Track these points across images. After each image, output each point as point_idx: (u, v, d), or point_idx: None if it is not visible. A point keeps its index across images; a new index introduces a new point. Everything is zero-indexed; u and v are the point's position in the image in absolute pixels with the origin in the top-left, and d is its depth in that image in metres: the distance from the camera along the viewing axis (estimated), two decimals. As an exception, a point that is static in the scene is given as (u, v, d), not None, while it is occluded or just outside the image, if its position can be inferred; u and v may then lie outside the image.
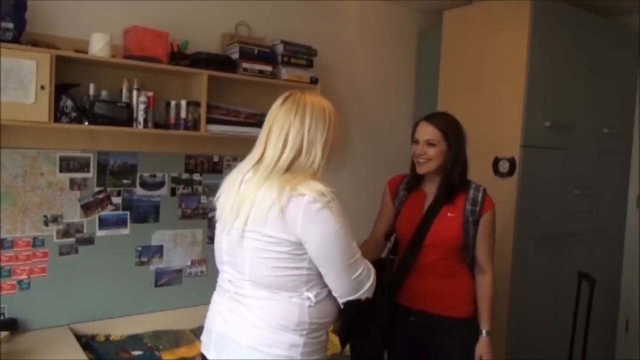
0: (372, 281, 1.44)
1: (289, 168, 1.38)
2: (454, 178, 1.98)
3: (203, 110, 2.47)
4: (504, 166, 2.86)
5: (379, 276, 1.87)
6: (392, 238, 2.20)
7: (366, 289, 1.43)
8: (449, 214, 1.99)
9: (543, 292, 3.03)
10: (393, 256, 2.13)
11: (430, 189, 2.06)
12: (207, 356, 1.51)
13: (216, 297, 1.54)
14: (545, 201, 2.99)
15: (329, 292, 1.44)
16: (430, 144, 1.97)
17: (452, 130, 1.99)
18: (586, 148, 3.22)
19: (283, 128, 1.40)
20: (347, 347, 2.11)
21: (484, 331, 2.00)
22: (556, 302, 3.04)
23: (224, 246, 1.47)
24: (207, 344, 1.52)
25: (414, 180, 2.10)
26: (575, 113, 3.09)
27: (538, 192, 2.93)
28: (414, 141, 2.03)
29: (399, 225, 2.12)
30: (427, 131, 1.98)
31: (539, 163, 2.90)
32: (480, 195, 1.99)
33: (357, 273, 1.39)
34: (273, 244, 1.35)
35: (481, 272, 2.02)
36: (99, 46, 2.18)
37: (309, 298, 1.39)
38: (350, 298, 1.41)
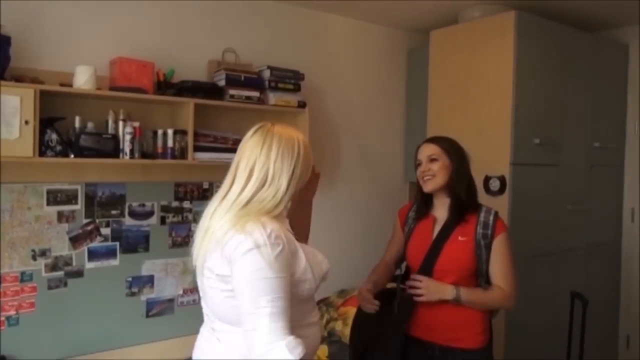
0: (270, 357, 1.23)
1: (250, 200, 1.38)
2: (461, 195, 1.97)
3: (190, 138, 2.47)
4: (494, 184, 2.85)
5: (383, 308, 1.91)
6: (403, 266, 2.17)
7: (260, 355, 1.24)
8: (460, 238, 1.95)
9: (540, 311, 2.99)
10: (404, 285, 2.07)
11: (440, 213, 2.03)
12: None
13: (201, 328, 1.56)
14: (538, 218, 2.97)
15: (301, 326, 1.40)
16: (432, 159, 1.98)
17: (453, 147, 2.01)
18: (577, 163, 3.21)
19: (250, 160, 1.40)
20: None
21: (456, 289, 1.89)
22: (554, 321, 3.00)
23: (198, 282, 1.49)
24: None
25: (423, 206, 2.08)
26: (565, 129, 3.09)
27: (530, 209, 2.91)
28: (417, 164, 2.04)
29: (409, 252, 2.08)
30: (428, 149, 2.01)
31: (529, 180, 2.89)
32: (491, 218, 1.96)
33: (253, 327, 1.25)
34: (219, 280, 1.35)
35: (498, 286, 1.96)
36: (83, 79, 2.18)
37: None
38: (251, 356, 1.26)
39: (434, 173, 1.97)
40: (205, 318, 1.51)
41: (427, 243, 2.00)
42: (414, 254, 2.04)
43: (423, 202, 2.08)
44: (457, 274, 1.93)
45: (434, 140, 2.06)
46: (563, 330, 2.77)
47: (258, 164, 1.39)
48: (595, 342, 3.35)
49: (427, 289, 1.90)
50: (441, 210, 2.03)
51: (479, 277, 1.96)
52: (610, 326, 3.58)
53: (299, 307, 1.40)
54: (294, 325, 1.32)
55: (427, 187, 2.00)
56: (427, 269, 1.96)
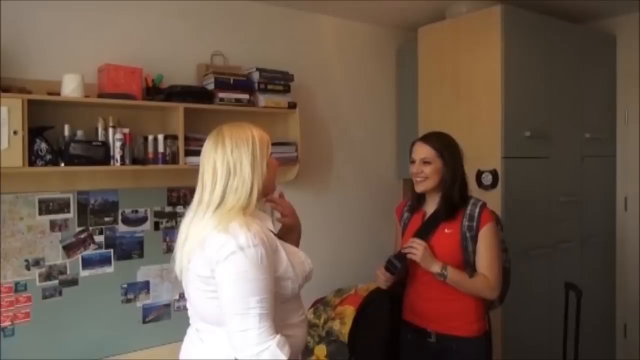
0: (265, 358, 1.28)
1: (223, 197, 1.41)
2: (453, 195, 2.01)
3: (181, 143, 2.47)
4: (486, 179, 2.86)
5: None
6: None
7: (250, 355, 1.28)
8: (446, 230, 2.01)
9: (536, 303, 3.00)
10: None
11: (431, 209, 2.09)
12: None
13: (188, 329, 1.59)
14: (531, 211, 2.98)
15: (285, 326, 1.43)
16: (425, 162, 2.02)
17: (446, 149, 2.04)
18: (569, 155, 3.22)
19: (209, 162, 1.45)
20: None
21: (446, 267, 1.93)
22: (550, 313, 3.02)
23: (183, 285, 1.53)
24: None
25: (415, 201, 2.14)
26: (556, 121, 3.10)
27: (523, 202, 2.92)
28: (411, 161, 2.08)
29: (403, 246, 2.12)
30: (422, 150, 2.05)
31: (521, 173, 2.91)
32: (477, 210, 1.99)
33: (243, 328, 1.28)
34: (202, 281, 1.38)
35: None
36: (71, 87, 2.18)
37: None
38: (236, 354, 1.31)
39: (426, 175, 2.02)
40: (190, 320, 1.54)
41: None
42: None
43: (416, 198, 2.14)
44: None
45: (428, 140, 2.07)
46: (559, 321, 2.78)
47: (218, 161, 1.43)
48: (593, 332, 3.37)
49: (423, 253, 1.93)
50: (432, 206, 2.09)
51: (467, 268, 2.00)
52: (607, 316, 3.59)
53: (283, 307, 1.43)
54: (278, 325, 1.37)
55: (419, 188, 2.06)
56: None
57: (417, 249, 1.94)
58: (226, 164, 1.42)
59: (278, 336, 1.31)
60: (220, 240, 1.33)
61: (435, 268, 1.93)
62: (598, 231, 3.47)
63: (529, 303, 2.96)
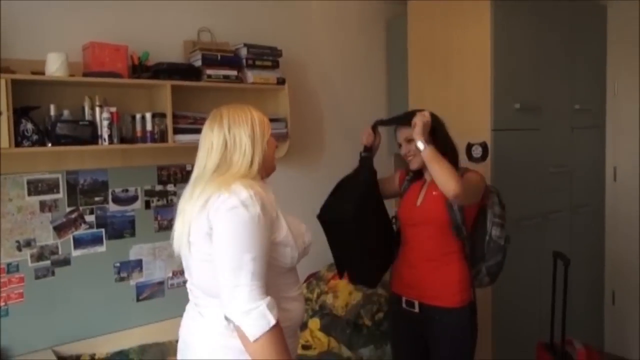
0: (254, 317, 1.28)
1: (220, 165, 1.42)
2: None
3: (169, 121, 2.45)
4: (476, 151, 2.87)
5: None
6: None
7: (239, 312, 1.28)
8: (434, 193, 2.06)
9: (525, 272, 3.05)
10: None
11: (426, 184, 2.14)
12: None
13: (187, 306, 1.59)
14: (521, 182, 3.00)
15: (282, 298, 1.43)
16: (409, 140, 2.07)
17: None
18: (558, 126, 3.23)
19: (206, 141, 1.46)
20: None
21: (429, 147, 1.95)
22: (539, 282, 3.06)
23: (183, 261, 1.52)
24: (178, 351, 1.58)
25: (415, 174, 2.21)
26: (545, 92, 3.10)
27: (513, 174, 2.94)
28: (399, 145, 2.16)
29: (400, 209, 2.22)
30: (403, 132, 2.12)
31: (511, 145, 2.91)
32: (460, 172, 2.01)
33: (235, 283, 1.28)
34: (201, 241, 1.38)
35: None
36: (55, 66, 2.15)
37: None
38: (225, 311, 1.31)
39: (415, 152, 2.06)
40: (190, 296, 1.54)
41: (412, 202, 2.14)
42: (403, 211, 2.18)
43: (415, 174, 2.21)
44: (433, 226, 2.06)
45: (404, 121, 2.10)
46: (548, 290, 2.83)
47: (215, 138, 1.44)
48: (582, 299, 3.43)
49: (423, 126, 1.95)
50: (425, 185, 2.15)
51: (453, 227, 2.03)
52: (595, 284, 3.66)
53: (281, 278, 1.44)
54: (276, 297, 1.36)
55: (414, 165, 2.12)
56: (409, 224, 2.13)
57: (423, 118, 1.97)
58: (222, 140, 1.43)
59: (269, 298, 1.31)
60: (223, 197, 1.33)
61: (422, 145, 1.94)
62: (587, 201, 3.51)
63: (519, 272, 3.00)
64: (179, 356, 1.55)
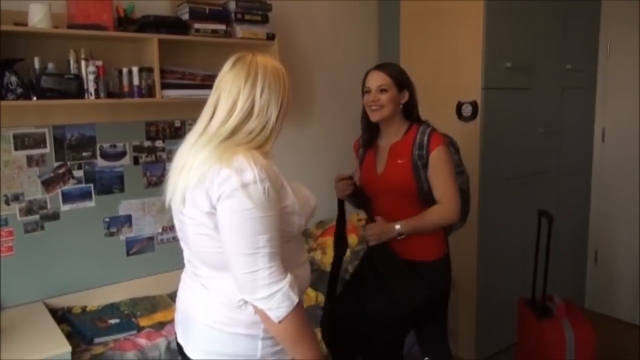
0: (278, 299, 1.22)
1: (234, 133, 1.29)
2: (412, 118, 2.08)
3: (156, 75, 2.41)
4: (466, 110, 2.87)
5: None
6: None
7: (262, 297, 1.22)
8: (398, 161, 2.04)
9: (511, 231, 3.10)
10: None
11: (385, 142, 2.11)
12: (177, 335, 1.51)
13: (183, 275, 1.51)
14: (510, 142, 3.02)
15: (291, 266, 1.35)
16: (382, 90, 2.01)
17: (401, 76, 2.05)
18: (549, 86, 3.22)
19: (231, 93, 1.29)
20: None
21: (398, 225, 1.99)
22: (524, 239, 3.12)
23: (176, 224, 1.42)
24: (176, 323, 1.53)
25: (368, 135, 2.14)
26: (537, 52, 3.08)
27: (502, 133, 2.95)
28: (366, 91, 2.06)
29: (361, 179, 2.20)
30: (377, 78, 2.03)
31: (501, 105, 2.91)
32: (425, 138, 2.00)
33: (253, 269, 1.20)
34: (202, 218, 1.27)
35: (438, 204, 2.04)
36: (38, 17, 2.10)
37: None
38: (245, 296, 1.25)
39: (383, 104, 2.01)
40: (187, 264, 1.46)
41: (372, 170, 2.11)
42: (365, 180, 2.16)
43: (367, 132, 2.14)
44: (397, 194, 2.04)
45: (383, 68, 2.06)
46: (533, 248, 2.88)
47: (242, 96, 1.29)
48: (565, 258, 3.51)
49: (377, 235, 2.00)
50: (386, 139, 2.10)
51: (421, 195, 2.03)
52: (579, 243, 3.73)
53: (287, 246, 1.33)
54: (286, 267, 1.28)
55: (374, 117, 2.05)
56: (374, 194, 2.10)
57: (372, 235, 2.00)
58: (250, 103, 1.29)
59: (289, 276, 1.25)
60: (223, 175, 1.21)
61: (394, 234, 1.99)
62: (575, 161, 3.54)
63: (504, 231, 3.06)
64: (178, 329, 1.50)
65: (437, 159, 1.98)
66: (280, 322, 1.24)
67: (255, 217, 1.21)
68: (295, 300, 1.25)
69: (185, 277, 1.48)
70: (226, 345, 1.32)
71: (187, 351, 1.42)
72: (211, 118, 1.31)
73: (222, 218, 1.23)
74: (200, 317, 1.37)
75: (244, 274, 1.22)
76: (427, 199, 2.03)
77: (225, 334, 1.32)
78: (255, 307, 1.26)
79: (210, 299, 1.35)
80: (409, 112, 2.08)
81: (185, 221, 1.33)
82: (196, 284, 1.41)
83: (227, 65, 1.35)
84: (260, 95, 1.30)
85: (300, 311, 1.27)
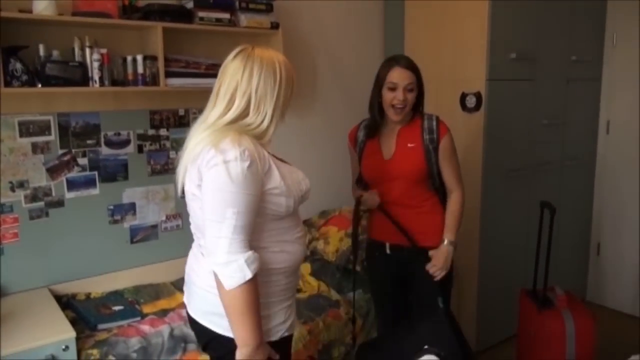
0: (233, 269, 1.31)
1: (232, 123, 1.41)
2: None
3: (161, 64, 2.41)
4: (470, 101, 2.86)
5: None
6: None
7: (219, 262, 1.32)
8: (409, 145, 2.06)
9: (514, 222, 3.10)
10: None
11: (388, 136, 2.11)
12: (185, 296, 1.64)
13: (193, 244, 1.63)
14: (514, 133, 3.01)
15: (281, 242, 1.47)
16: (410, 89, 2.00)
17: (420, 73, 2.06)
18: (554, 77, 3.21)
19: (230, 86, 1.41)
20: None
21: (445, 240, 2.07)
22: (527, 232, 3.12)
23: (186, 199, 1.53)
24: (185, 285, 1.65)
25: (374, 126, 2.14)
26: (542, 43, 3.06)
27: (506, 124, 2.94)
28: (391, 87, 2.00)
29: (366, 170, 2.19)
30: (406, 76, 2.00)
31: (505, 96, 2.91)
32: (434, 123, 2.06)
33: (217, 235, 1.32)
34: (196, 192, 1.41)
35: (450, 192, 2.12)
36: (43, 4, 2.10)
37: None
38: (208, 259, 1.36)
39: (407, 104, 2.01)
40: (194, 235, 1.58)
41: (378, 156, 2.12)
42: (370, 168, 2.16)
43: (375, 123, 2.13)
44: (407, 179, 2.07)
45: (409, 65, 2.02)
46: (535, 240, 2.88)
47: (239, 90, 1.40)
48: (568, 251, 3.51)
49: (442, 265, 2.04)
50: (391, 125, 2.11)
51: (430, 179, 2.08)
52: (582, 235, 3.73)
53: (278, 224, 1.46)
54: (273, 241, 1.43)
55: (399, 117, 2.04)
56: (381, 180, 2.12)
57: (439, 269, 2.04)
58: (247, 97, 1.40)
59: (250, 252, 1.34)
60: (211, 153, 1.33)
61: (450, 250, 2.06)
62: (579, 153, 3.53)
63: (507, 222, 3.06)
64: (185, 291, 1.64)
65: (448, 144, 2.06)
66: (229, 290, 1.32)
67: (228, 191, 1.31)
68: (249, 275, 1.32)
69: (193, 246, 1.60)
70: (219, 307, 1.39)
71: (189, 310, 1.58)
72: (212, 108, 1.44)
73: (203, 187, 1.37)
74: (198, 282, 1.51)
75: (210, 238, 1.34)
76: (434, 183, 2.07)
77: (218, 297, 1.40)
78: (214, 272, 1.35)
79: (206, 266, 1.45)
80: (417, 105, 2.08)
81: (188, 196, 1.48)
82: (198, 252, 1.54)
83: (230, 57, 1.45)
84: (256, 90, 1.40)
85: (250, 289, 1.34)
